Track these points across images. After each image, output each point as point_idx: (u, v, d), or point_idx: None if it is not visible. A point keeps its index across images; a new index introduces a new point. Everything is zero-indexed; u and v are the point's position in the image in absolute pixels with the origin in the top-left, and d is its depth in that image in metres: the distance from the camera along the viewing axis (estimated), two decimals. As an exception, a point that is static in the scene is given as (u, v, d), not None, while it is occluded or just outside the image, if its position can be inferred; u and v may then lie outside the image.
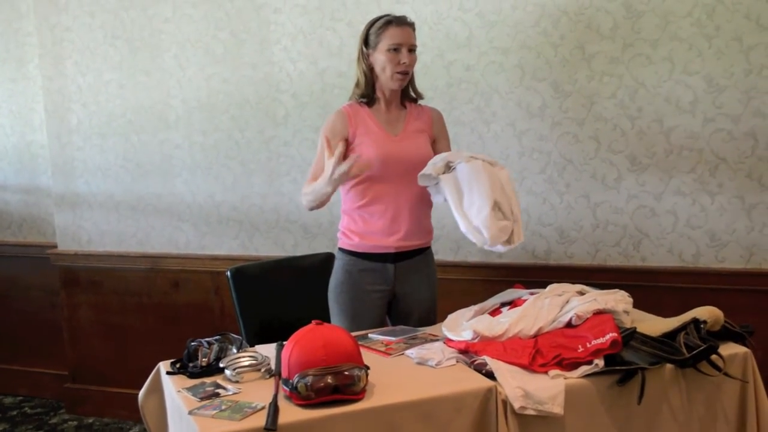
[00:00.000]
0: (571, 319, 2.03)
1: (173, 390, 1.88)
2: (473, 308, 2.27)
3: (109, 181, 3.74)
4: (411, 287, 2.50)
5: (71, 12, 3.67)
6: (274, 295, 2.72)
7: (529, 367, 1.88)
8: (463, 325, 2.14)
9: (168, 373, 1.99)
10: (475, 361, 1.94)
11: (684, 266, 2.80)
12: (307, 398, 1.70)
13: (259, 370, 1.91)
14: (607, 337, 1.87)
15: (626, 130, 2.81)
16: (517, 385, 1.81)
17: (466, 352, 2.01)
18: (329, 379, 1.70)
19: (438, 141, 2.55)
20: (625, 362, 1.87)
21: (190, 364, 1.97)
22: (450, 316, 2.25)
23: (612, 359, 1.87)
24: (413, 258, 2.50)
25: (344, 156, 2.32)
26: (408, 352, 2.07)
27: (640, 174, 2.81)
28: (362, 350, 1.85)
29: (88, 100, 3.71)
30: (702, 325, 1.98)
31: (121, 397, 3.75)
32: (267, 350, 2.05)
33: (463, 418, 1.78)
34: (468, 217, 2.20)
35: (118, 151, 3.69)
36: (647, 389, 1.84)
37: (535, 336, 2.01)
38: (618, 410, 1.88)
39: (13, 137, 4.13)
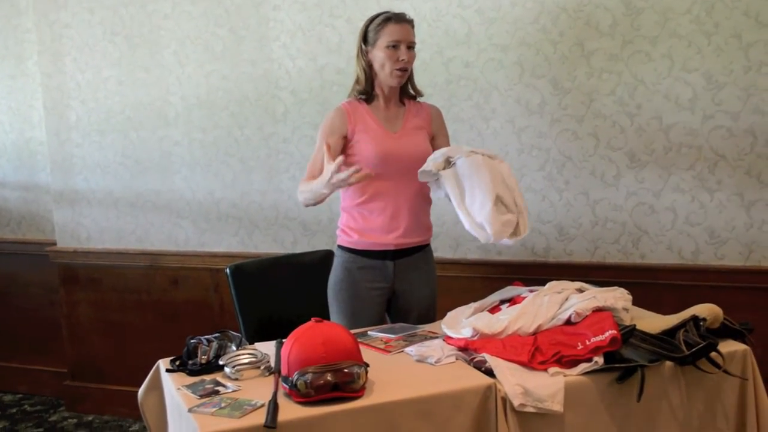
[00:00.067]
0: (570, 317, 2.03)
1: (173, 387, 1.88)
2: (472, 305, 2.27)
3: (108, 178, 3.73)
4: (410, 284, 2.50)
5: (70, 8, 3.66)
6: (274, 293, 2.72)
7: (529, 365, 1.88)
8: (463, 322, 2.14)
9: (167, 370, 1.99)
10: (475, 358, 1.94)
11: (683, 263, 2.80)
12: (306, 396, 1.70)
13: (259, 367, 1.91)
14: (607, 334, 1.87)
15: (625, 127, 2.81)
16: (516, 382, 1.81)
17: (466, 349, 2.01)
18: (329, 377, 1.70)
19: (437, 138, 2.55)
20: (624, 360, 1.87)
21: (190, 362, 1.97)
22: (449, 314, 2.25)
23: (611, 356, 1.87)
24: (412, 255, 2.50)
25: (342, 152, 2.32)
26: (407, 349, 2.07)
27: (640, 171, 2.81)
28: (362, 347, 1.86)
29: (87, 96, 3.70)
30: (701, 323, 1.98)
31: (120, 394, 3.75)
32: (266, 347, 2.05)
33: (463, 416, 1.78)
34: (471, 214, 2.20)
35: (117, 148, 3.69)
36: (647, 387, 1.84)
37: (535, 333, 2.02)
38: (617, 408, 1.88)
39: (12, 134, 4.12)
